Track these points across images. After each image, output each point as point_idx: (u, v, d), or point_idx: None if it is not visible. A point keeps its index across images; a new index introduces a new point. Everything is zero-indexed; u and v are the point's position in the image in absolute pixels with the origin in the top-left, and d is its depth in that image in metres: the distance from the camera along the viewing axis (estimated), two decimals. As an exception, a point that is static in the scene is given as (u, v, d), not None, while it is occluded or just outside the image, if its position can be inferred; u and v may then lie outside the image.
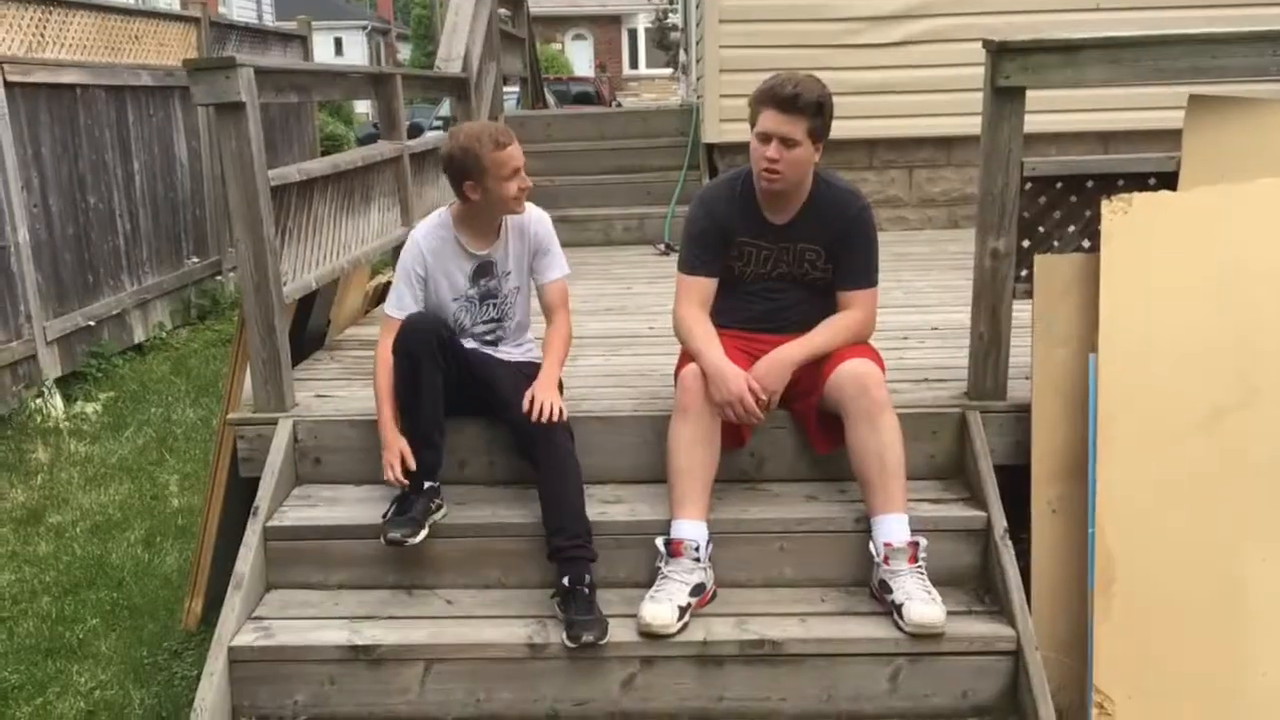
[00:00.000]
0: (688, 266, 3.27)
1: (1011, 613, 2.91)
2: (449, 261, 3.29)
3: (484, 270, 3.32)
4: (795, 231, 3.20)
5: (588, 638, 2.86)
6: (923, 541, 2.97)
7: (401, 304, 3.27)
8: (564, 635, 2.89)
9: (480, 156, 3.12)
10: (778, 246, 3.22)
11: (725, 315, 3.28)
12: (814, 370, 3.15)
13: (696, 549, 2.99)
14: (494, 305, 3.35)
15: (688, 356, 3.20)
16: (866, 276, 3.22)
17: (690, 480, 3.05)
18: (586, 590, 2.95)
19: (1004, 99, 3.10)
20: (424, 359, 3.07)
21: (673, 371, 3.35)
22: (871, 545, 3.01)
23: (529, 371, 3.29)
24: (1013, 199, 3.17)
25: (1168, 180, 3.21)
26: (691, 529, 3.02)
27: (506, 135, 3.17)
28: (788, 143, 3.02)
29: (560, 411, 3.11)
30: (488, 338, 3.39)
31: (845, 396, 3.05)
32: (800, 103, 3.00)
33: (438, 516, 3.14)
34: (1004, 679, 2.89)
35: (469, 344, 3.32)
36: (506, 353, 3.40)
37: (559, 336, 3.33)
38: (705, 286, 3.25)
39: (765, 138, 3.05)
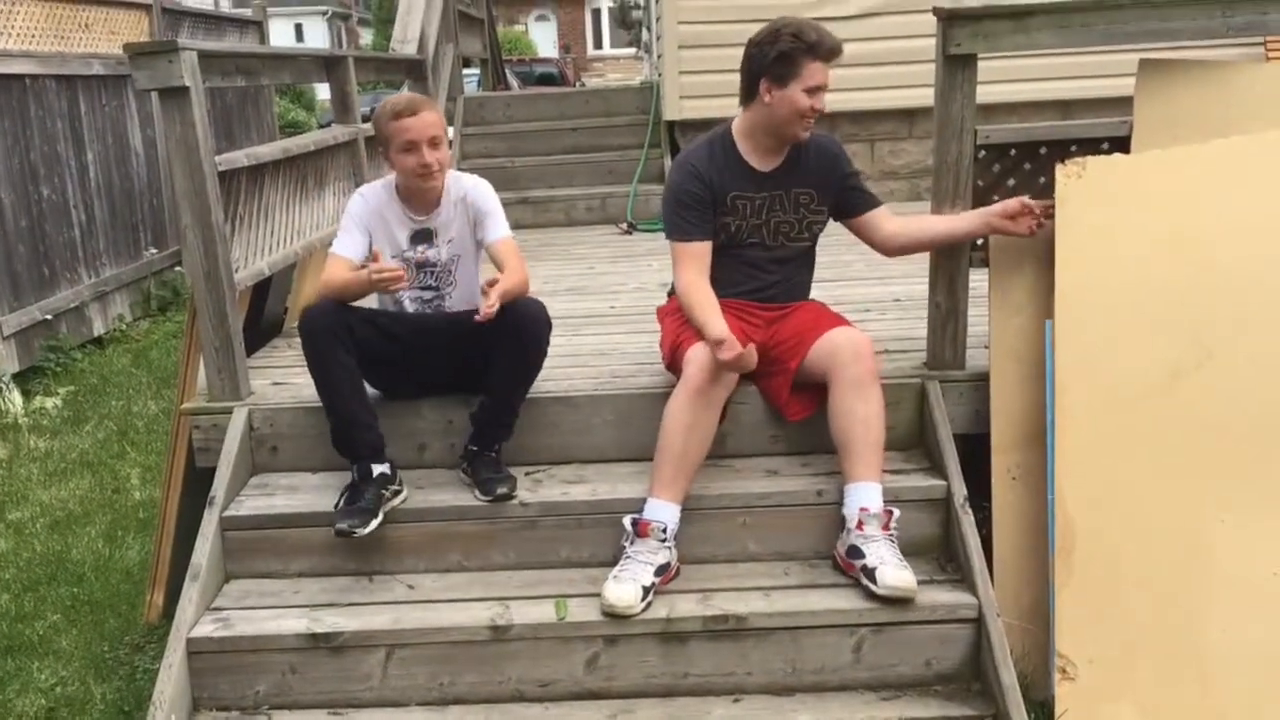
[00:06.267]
0: (680, 233, 3.20)
1: (973, 581, 2.92)
2: (390, 223, 3.27)
3: (422, 237, 3.29)
4: (787, 176, 3.21)
5: (501, 490, 3.07)
6: (896, 512, 2.97)
7: (345, 245, 3.22)
8: (475, 493, 3.13)
9: (381, 127, 3.15)
10: (771, 194, 3.21)
11: (718, 287, 3.20)
12: (794, 337, 3.16)
13: (664, 531, 2.97)
14: (431, 273, 3.31)
15: (685, 332, 3.15)
16: (875, 196, 3.34)
17: (682, 463, 3.00)
18: (494, 454, 3.20)
19: (956, 66, 3.09)
20: (328, 345, 3.03)
21: (633, 349, 3.32)
22: (845, 511, 3.00)
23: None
24: (966, 168, 3.16)
25: (1121, 144, 3.21)
26: (665, 511, 3.00)
27: (411, 107, 3.13)
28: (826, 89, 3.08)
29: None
30: (426, 309, 3.35)
31: (837, 363, 3.04)
32: (840, 52, 3.05)
33: (395, 502, 3.11)
34: (967, 647, 2.90)
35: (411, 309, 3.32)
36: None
37: (512, 273, 3.16)
38: (702, 250, 3.19)
39: (816, 91, 3.06)
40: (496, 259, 3.27)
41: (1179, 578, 2.87)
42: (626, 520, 3.01)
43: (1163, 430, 2.93)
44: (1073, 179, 3.04)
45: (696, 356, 3.02)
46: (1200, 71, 3.11)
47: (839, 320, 3.24)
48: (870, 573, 2.89)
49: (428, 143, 3.12)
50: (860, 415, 3.01)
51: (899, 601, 2.87)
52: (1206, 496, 2.90)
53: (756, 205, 3.22)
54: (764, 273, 3.29)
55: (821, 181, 3.24)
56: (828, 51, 3.03)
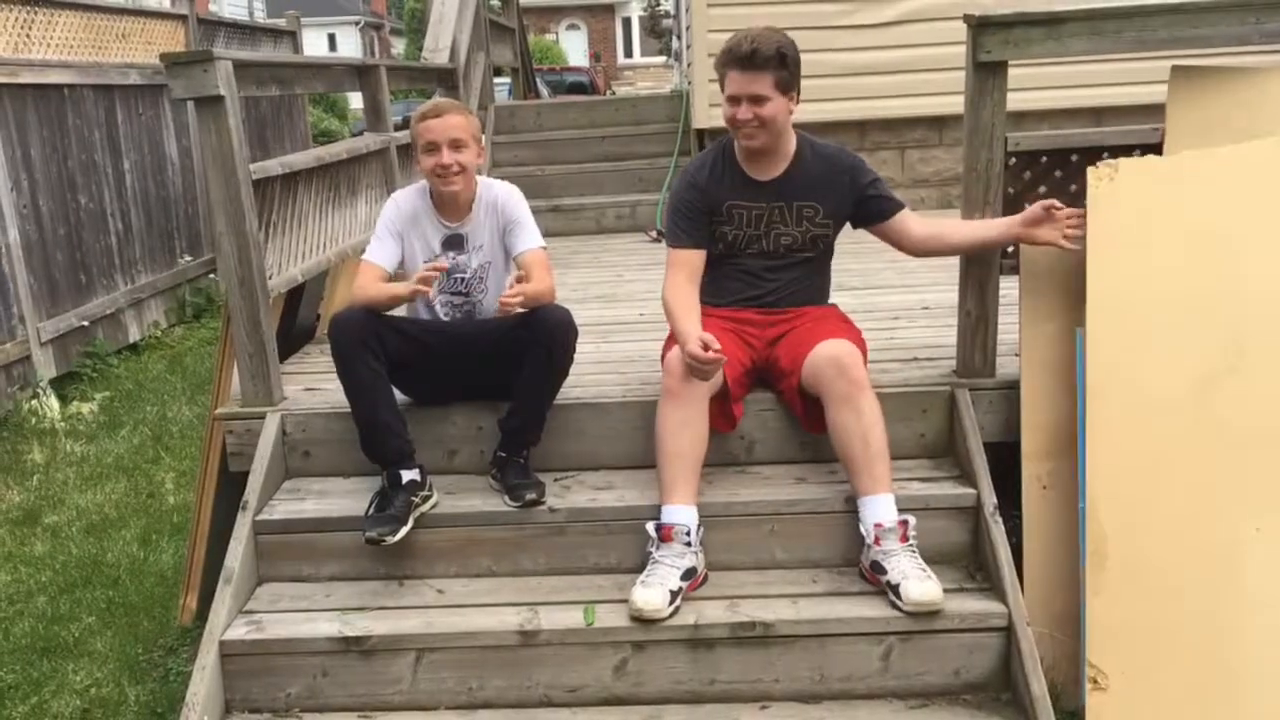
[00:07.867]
0: (673, 239, 3.27)
1: (1003, 589, 2.90)
2: (425, 227, 3.32)
3: (454, 243, 3.32)
4: (787, 189, 3.20)
5: (530, 496, 3.09)
6: (912, 520, 2.96)
7: (377, 252, 3.27)
8: (505, 499, 3.16)
9: (411, 129, 3.27)
10: (770, 206, 3.21)
11: (715, 295, 3.25)
12: (793, 352, 3.14)
13: (687, 533, 2.98)
14: (461, 280, 3.34)
15: (673, 340, 3.18)
16: (898, 200, 3.29)
17: (680, 464, 3.03)
18: (523, 460, 3.22)
19: (986, 74, 3.08)
20: (356, 352, 3.06)
21: (659, 356, 3.33)
22: (861, 527, 3.00)
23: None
24: (997, 175, 3.15)
25: (1153, 151, 3.18)
26: (681, 514, 3.01)
27: (436, 109, 3.20)
28: (757, 100, 3.03)
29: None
30: (458, 315, 3.38)
31: (823, 379, 3.03)
32: (759, 58, 3.00)
33: (425, 508, 3.13)
34: (996, 655, 2.88)
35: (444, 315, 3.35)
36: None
37: (538, 282, 3.17)
38: (692, 258, 3.23)
39: (735, 100, 3.07)
40: (524, 269, 3.29)
41: (1212, 588, 2.84)
42: (650, 526, 3.02)
43: (1196, 437, 2.89)
44: (1104, 181, 2.99)
45: (667, 361, 3.10)
46: (1232, 78, 3.09)
47: (836, 329, 3.18)
48: (895, 589, 2.88)
49: (448, 144, 3.15)
50: (856, 431, 2.99)
51: (926, 613, 2.86)
52: (1240, 505, 2.86)
53: (754, 215, 3.22)
54: (764, 281, 3.29)
55: (829, 195, 3.21)
56: (735, 60, 3.03)
